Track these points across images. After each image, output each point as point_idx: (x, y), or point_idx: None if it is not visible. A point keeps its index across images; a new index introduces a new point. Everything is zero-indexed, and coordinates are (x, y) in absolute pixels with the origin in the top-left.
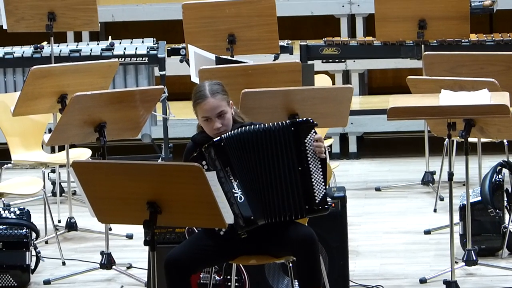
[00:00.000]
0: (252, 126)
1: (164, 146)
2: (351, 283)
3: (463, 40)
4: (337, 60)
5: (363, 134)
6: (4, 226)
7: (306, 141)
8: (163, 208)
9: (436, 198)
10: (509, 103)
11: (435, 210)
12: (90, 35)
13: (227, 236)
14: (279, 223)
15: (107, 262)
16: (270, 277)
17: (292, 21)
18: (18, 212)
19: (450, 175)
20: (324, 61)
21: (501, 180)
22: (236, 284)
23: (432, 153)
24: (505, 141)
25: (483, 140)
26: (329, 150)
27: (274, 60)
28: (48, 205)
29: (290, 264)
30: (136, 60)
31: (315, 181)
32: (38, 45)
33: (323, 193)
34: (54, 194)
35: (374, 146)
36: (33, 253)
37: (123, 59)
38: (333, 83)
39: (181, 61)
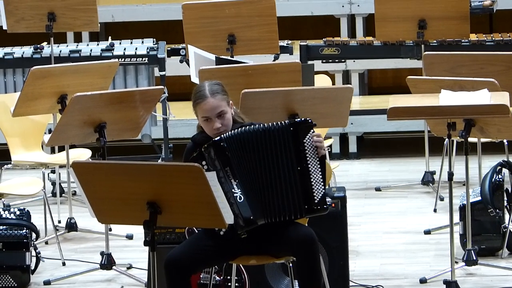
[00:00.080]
0: (252, 126)
1: (164, 146)
2: (351, 283)
3: (463, 40)
4: (337, 60)
5: (363, 134)
6: (4, 227)
7: (305, 141)
8: (163, 209)
9: (436, 198)
10: (509, 103)
11: (435, 210)
12: (90, 35)
13: (227, 236)
14: (279, 223)
15: (107, 262)
16: (270, 277)
17: (292, 21)
18: (18, 212)
19: (450, 175)
20: (324, 61)
21: (501, 180)
22: (236, 284)
23: (432, 153)
24: (505, 141)
25: (483, 140)
26: (329, 150)
27: (274, 60)
28: (48, 205)
29: (290, 264)
30: (136, 61)
31: (314, 181)
32: (38, 46)
33: (322, 193)
34: (54, 194)
35: (374, 146)
36: (33, 253)
37: (123, 59)
38: (333, 83)
39: (181, 61)
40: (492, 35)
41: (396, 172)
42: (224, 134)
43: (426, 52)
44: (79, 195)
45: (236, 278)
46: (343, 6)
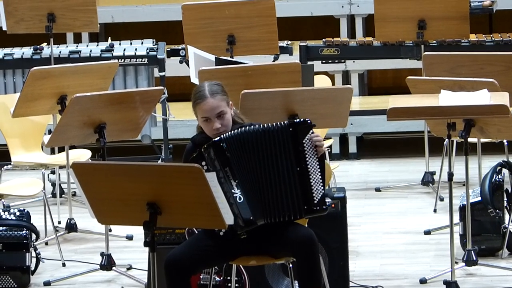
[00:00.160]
0: (252, 126)
1: (164, 147)
2: (351, 284)
3: (462, 41)
4: (336, 61)
5: (363, 135)
6: (4, 228)
7: (304, 141)
8: (163, 209)
9: (436, 198)
10: (508, 103)
11: (435, 211)
12: (90, 36)
13: (227, 236)
14: (278, 223)
15: (107, 263)
16: (270, 278)
17: (292, 21)
18: (18, 213)
19: (450, 175)
20: (323, 61)
21: (501, 180)
22: (236, 284)
23: (432, 153)
24: (505, 141)
25: (483, 140)
26: (329, 150)
27: (273, 60)
28: (48, 206)
29: (290, 265)
30: (136, 61)
31: (313, 182)
32: (38, 46)
33: (321, 193)
34: (54, 195)
35: (374, 147)
36: (33, 254)
37: (122, 60)
38: (333, 84)
39: (180, 62)
40: (491, 35)
41: (396, 173)
42: (224, 135)
43: (426, 53)
44: (79, 195)
45: (236, 278)
46: (342, 7)
